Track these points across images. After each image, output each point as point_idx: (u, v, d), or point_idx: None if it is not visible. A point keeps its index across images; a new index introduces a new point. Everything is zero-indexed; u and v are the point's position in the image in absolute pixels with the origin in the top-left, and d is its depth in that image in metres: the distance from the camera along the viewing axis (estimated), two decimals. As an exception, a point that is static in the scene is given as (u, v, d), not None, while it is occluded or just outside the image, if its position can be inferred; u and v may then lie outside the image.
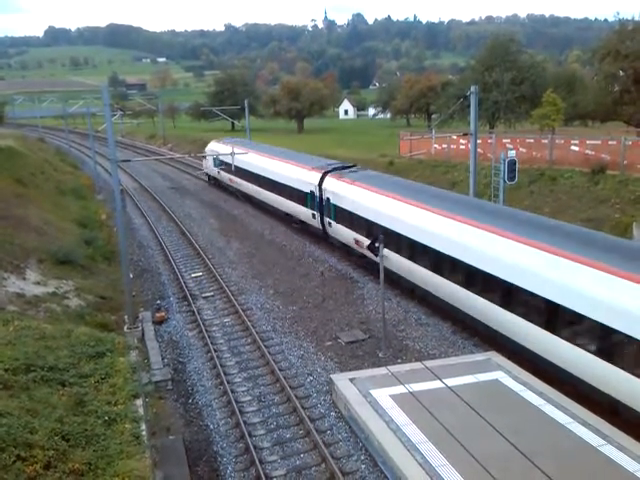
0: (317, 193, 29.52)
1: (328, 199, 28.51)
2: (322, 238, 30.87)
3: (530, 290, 15.78)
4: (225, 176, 45.54)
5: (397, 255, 22.14)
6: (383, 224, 22.95)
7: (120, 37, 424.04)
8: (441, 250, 19.36)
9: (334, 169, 29.96)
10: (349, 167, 30.53)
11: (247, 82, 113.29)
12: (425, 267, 20.57)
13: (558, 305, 14.88)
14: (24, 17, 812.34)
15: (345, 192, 26.97)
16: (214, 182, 49.90)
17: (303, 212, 31.95)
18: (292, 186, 32.66)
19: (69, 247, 27.06)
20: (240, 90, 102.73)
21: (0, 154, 41.96)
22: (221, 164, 44.61)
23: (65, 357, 14.85)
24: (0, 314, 17.97)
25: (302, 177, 31.50)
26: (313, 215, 30.55)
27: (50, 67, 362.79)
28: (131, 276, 22.83)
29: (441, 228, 19.74)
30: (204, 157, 45.97)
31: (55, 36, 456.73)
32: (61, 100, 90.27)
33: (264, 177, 37.13)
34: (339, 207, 27.37)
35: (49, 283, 23.08)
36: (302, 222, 32.99)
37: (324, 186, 28.94)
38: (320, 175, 29.63)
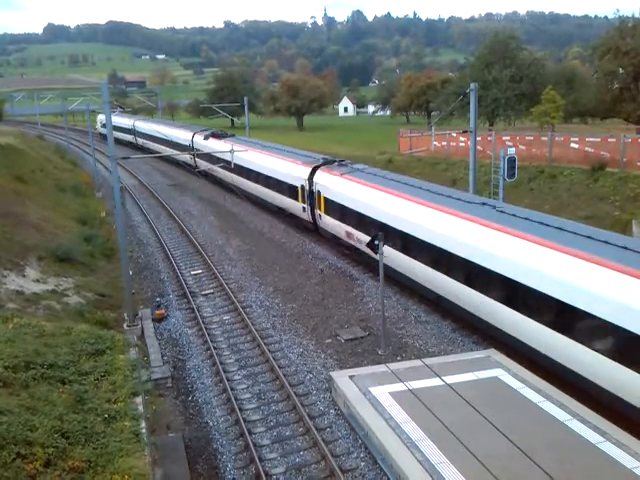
0: None
1: None
2: None
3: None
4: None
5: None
6: None
7: (119, 34, 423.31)
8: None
9: None
10: None
11: (247, 79, 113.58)
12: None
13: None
14: (23, 14, 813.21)
15: None
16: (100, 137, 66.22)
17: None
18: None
19: (69, 244, 27.04)
20: (239, 87, 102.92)
21: (0, 151, 41.93)
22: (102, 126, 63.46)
23: (65, 355, 14.87)
24: (0, 311, 17.99)
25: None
26: None
27: (49, 64, 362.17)
28: (131, 273, 22.83)
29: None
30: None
31: (54, 33, 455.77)
32: (60, 97, 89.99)
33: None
34: None
35: (49, 280, 23.08)
36: None
37: None
38: None
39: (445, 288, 19.67)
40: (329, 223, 28.88)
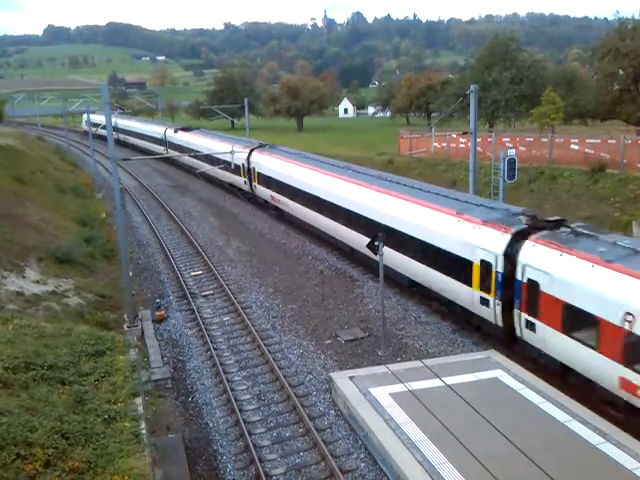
0: None
1: None
2: None
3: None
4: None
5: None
6: None
7: (119, 36, 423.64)
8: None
9: None
10: None
11: (247, 81, 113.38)
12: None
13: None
14: (23, 15, 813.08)
15: None
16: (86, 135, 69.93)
17: None
18: None
19: (69, 246, 27.05)
20: (240, 89, 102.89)
21: (0, 152, 41.96)
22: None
23: (65, 355, 14.88)
24: (0, 313, 17.99)
25: None
26: None
27: (49, 66, 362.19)
28: (131, 274, 22.83)
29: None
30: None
31: (54, 35, 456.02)
32: (60, 99, 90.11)
33: None
34: None
35: (49, 282, 23.08)
36: None
37: None
38: None
39: (308, 217, 31.15)
40: (260, 190, 38.44)
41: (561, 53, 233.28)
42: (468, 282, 18.57)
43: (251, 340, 20.36)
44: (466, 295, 18.88)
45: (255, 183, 38.97)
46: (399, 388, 14.35)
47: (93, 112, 60.51)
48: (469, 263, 18.37)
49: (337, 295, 24.12)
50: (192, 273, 27.60)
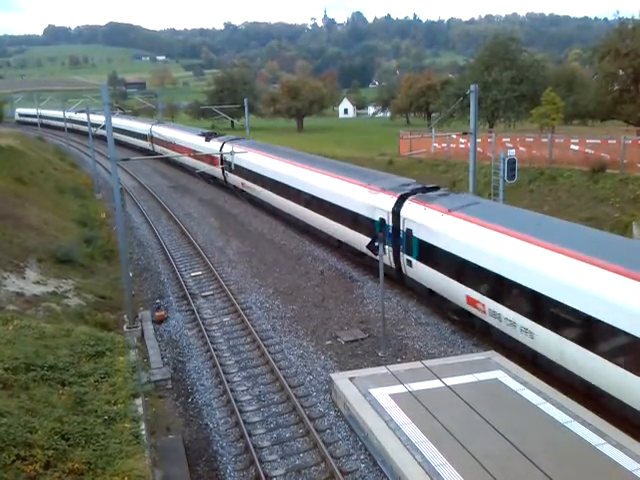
0: None
1: None
2: None
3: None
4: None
5: None
6: None
7: (119, 35, 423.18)
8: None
9: None
10: None
11: (247, 81, 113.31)
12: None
13: None
14: (23, 16, 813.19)
15: None
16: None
17: None
18: None
19: (69, 246, 27.04)
20: (240, 89, 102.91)
21: (0, 153, 41.95)
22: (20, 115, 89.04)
23: (65, 356, 14.87)
24: (0, 313, 17.98)
25: None
26: None
27: (49, 66, 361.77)
28: (131, 275, 22.82)
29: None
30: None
31: (54, 35, 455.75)
32: (60, 99, 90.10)
33: None
34: None
35: (49, 282, 23.07)
36: None
37: None
38: None
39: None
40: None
41: (561, 53, 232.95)
42: None
43: (251, 341, 20.36)
44: None
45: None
46: (399, 389, 14.35)
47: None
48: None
49: (337, 296, 24.12)
50: (192, 274, 27.59)
